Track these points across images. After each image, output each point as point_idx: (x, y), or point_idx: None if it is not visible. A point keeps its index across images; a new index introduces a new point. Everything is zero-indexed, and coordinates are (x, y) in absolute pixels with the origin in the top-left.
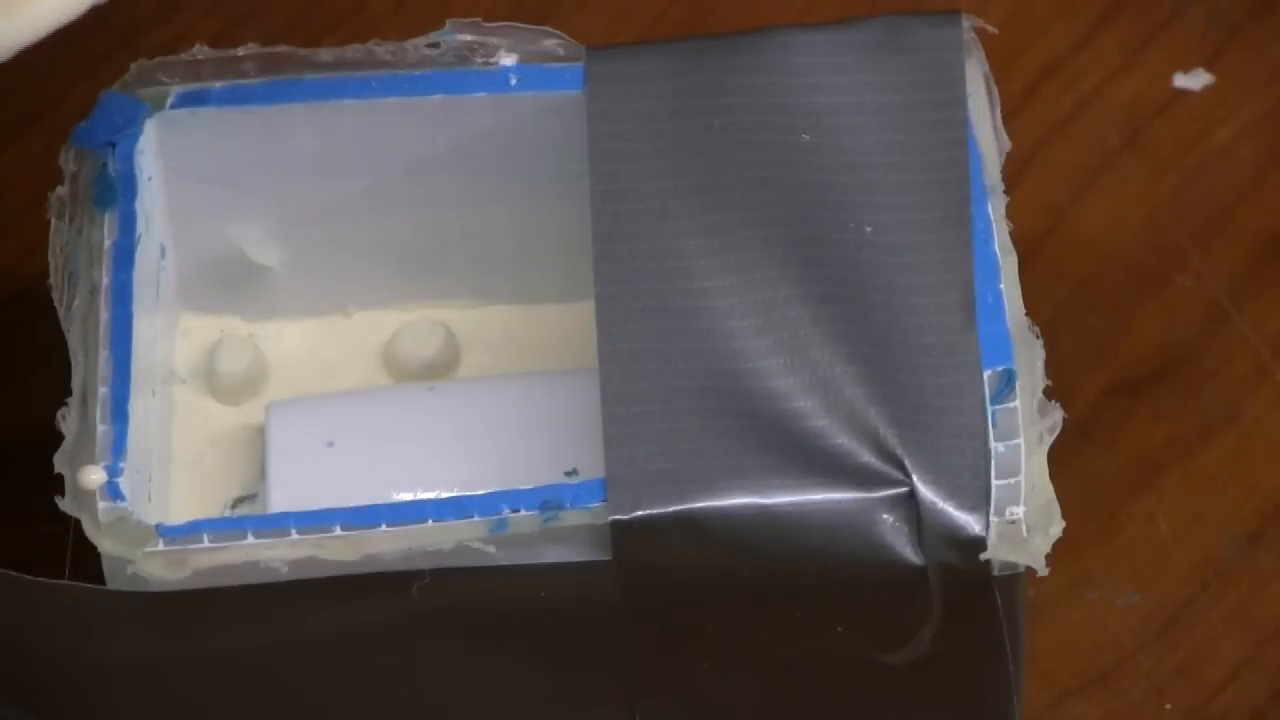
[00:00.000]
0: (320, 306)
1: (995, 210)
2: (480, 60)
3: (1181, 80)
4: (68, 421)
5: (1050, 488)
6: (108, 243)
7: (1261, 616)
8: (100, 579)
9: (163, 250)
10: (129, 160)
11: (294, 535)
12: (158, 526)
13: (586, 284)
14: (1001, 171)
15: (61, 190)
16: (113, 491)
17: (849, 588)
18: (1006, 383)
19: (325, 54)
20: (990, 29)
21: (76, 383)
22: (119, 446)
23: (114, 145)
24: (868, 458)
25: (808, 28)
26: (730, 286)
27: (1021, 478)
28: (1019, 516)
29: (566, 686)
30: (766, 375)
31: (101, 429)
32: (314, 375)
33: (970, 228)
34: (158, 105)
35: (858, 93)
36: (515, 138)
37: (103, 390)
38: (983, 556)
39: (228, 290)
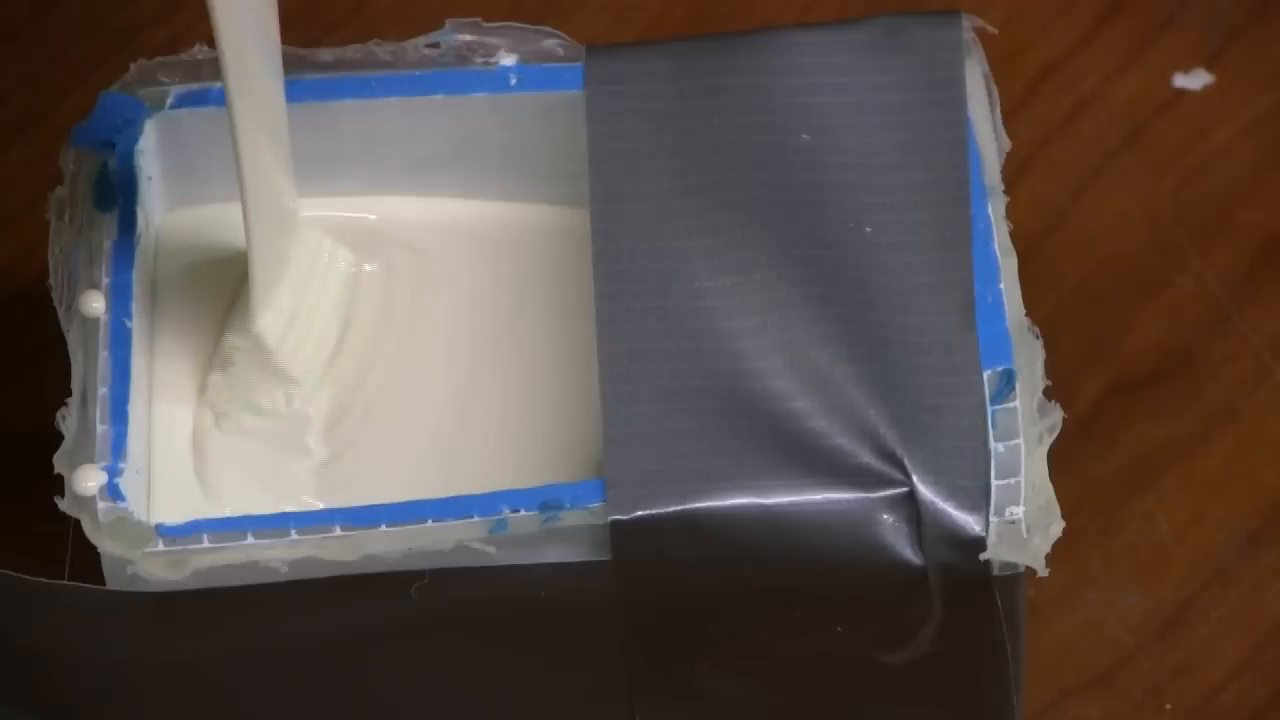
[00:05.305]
0: None
1: (995, 210)
2: (480, 60)
3: (1181, 80)
4: (67, 422)
5: (1050, 488)
6: (108, 243)
7: (1261, 616)
8: (100, 579)
9: None
10: (129, 160)
11: (294, 535)
12: (158, 526)
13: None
14: (1001, 171)
15: (61, 190)
16: (113, 492)
17: (849, 588)
18: (1006, 383)
19: (325, 54)
20: (990, 29)
21: (76, 383)
22: (119, 447)
23: (114, 145)
24: (868, 458)
25: (807, 28)
26: (730, 286)
27: (1021, 478)
28: (1019, 516)
29: (566, 686)
30: (766, 375)
31: (101, 429)
32: None
33: (970, 228)
34: (158, 105)
35: (858, 93)
36: (515, 138)
37: (102, 390)
38: (983, 556)
39: None
